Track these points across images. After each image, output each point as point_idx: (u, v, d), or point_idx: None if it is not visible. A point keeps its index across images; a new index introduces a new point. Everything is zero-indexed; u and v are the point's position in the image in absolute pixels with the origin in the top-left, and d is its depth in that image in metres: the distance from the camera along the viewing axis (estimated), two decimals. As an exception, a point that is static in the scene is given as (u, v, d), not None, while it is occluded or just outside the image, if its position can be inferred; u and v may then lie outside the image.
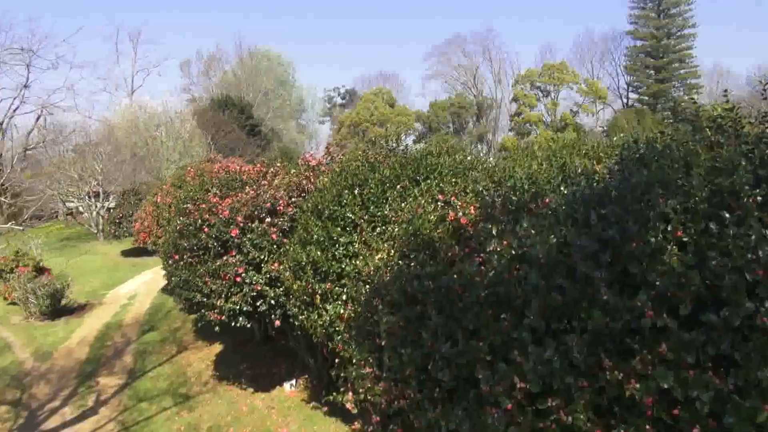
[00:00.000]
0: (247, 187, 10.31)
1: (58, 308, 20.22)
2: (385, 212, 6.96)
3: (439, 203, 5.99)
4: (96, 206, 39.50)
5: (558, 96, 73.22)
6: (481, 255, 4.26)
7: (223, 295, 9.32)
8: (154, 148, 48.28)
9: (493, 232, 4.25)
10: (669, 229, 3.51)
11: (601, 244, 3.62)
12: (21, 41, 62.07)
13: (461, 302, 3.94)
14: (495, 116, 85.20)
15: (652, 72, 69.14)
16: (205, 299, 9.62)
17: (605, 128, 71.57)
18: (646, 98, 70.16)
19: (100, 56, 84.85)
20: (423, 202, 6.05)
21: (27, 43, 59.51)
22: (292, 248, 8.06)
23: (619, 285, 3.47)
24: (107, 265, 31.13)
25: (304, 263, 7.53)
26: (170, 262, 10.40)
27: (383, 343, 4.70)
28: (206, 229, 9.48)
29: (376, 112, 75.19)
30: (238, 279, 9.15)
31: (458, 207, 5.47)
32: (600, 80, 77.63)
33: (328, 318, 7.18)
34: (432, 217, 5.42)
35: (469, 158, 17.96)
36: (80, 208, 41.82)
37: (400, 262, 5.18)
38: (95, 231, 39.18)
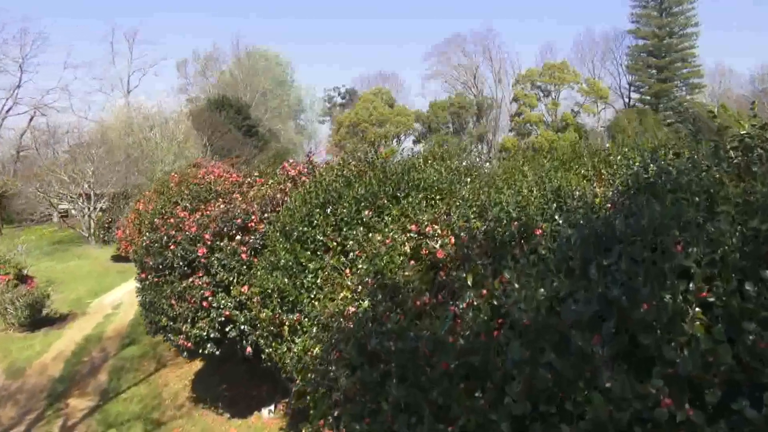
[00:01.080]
0: (220, 200, 9.56)
1: (38, 319, 19.44)
2: (358, 237, 6.18)
3: (411, 235, 5.17)
4: (87, 209, 38.75)
5: (559, 96, 72.38)
6: (457, 304, 3.49)
7: (189, 320, 8.56)
8: (149, 149, 47.58)
9: (469, 280, 3.47)
10: (691, 287, 2.72)
11: (603, 304, 2.83)
12: (14, 41, 61.49)
13: (430, 368, 3.17)
14: (495, 116, 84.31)
15: (654, 71, 68.24)
16: (171, 323, 8.86)
17: (607, 128, 70.75)
18: (648, 98, 69.28)
19: (96, 56, 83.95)
20: (392, 233, 5.24)
21: (20, 42, 58.91)
22: (259, 273, 7.28)
23: (625, 362, 2.68)
24: (96, 271, 30.37)
25: (270, 291, 6.76)
26: (138, 279, 9.66)
27: (338, 411, 3.94)
28: (173, 247, 8.72)
29: (375, 112, 74.36)
30: (205, 304, 8.39)
31: (437, 235, 4.69)
32: (601, 80, 76.75)
33: (296, 352, 6.43)
34: (403, 250, 4.63)
35: (464, 164, 17.24)
36: (72, 211, 41.10)
37: (363, 305, 4.41)
38: (86, 235, 38.42)
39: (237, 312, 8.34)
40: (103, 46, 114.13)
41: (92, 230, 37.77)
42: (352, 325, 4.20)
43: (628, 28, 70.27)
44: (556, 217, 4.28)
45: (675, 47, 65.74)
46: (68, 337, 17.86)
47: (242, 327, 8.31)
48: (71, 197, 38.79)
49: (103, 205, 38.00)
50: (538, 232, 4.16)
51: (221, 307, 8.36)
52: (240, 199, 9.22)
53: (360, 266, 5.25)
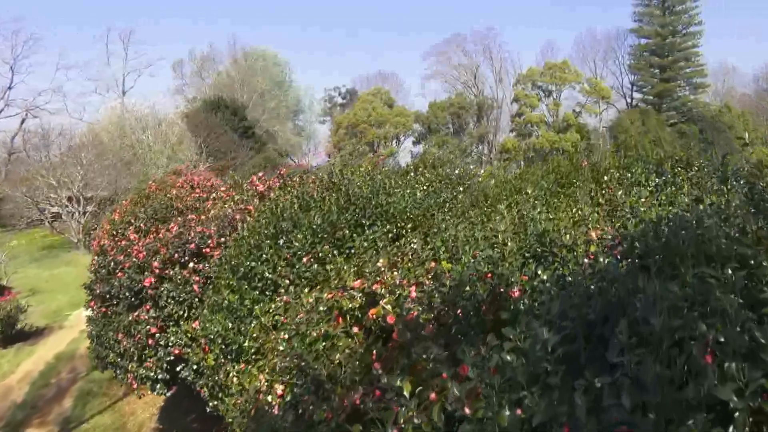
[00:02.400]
0: (179, 219, 8.61)
1: (11, 334, 18.54)
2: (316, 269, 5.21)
3: (355, 294, 4.16)
4: (76, 213, 37.86)
5: (560, 96, 71.24)
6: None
7: (134, 358, 7.63)
8: (141, 152, 46.72)
9: (406, 390, 2.52)
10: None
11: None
12: (5, 42, 60.62)
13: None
14: (496, 117, 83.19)
15: (656, 71, 67.10)
16: (119, 359, 7.95)
17: (609, 128, 69.62)
18: (651, 98, 68.14)
19: (91, 57, 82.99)
20: (327, 296, 4.20)
21: (11, 43, 58.08)
22: (204, 312, 6.32)
23: None
24: (81, 279, 29.44)
25: (213, 336, 5.83)
26: (86, 308, 8.73)
27: None
28: (120, 274, 7.79)
29: (373, 113, 73.32)
30: (151, 341, 7.44)
31: (394, 288, 3.74)
32: (603, 79, 75.63)
33: (243, 408, 5.50)
34: (334, 319, 3.67)
35: (457, 171, 16.25)
36: (63, 216, 40.23)
37: (275, 396, 3.45)
38: (75, 240, 37.52)
39: (189, 350, 7.40)
40: (98, 46, 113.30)
41: (81, 235, 36.87)
42: (276, 411, 3.27)
43: (631, 26, 69.17)
44: (539, 272, 3.33)
45: (678, 46, 64.60)
46: (40, 354, 16.96)
47: (195, 366, 7.39)
48: (60, 201, 37.93)
49: (92, 209, 37.11)
50: (515, 294, 3.21)
51: (170, 344, 7.42)
52: (196, 219, 8.27)
53: (283, 336, 4.25)
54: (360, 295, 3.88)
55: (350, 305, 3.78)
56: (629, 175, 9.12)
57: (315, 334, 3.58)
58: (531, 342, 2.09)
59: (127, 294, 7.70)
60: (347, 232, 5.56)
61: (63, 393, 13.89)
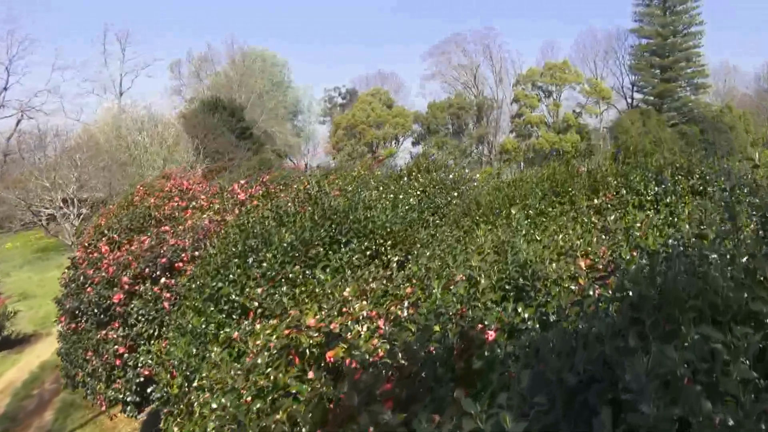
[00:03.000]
0: (153, 230, 8.21)
1: (-4, 342, 18.18)
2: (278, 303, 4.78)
3: (311, 333, 3.69)
4: (71, 216, 37.44)
5: (560, 96, 70.85)
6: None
7: (103, 379, 7.22)
8: (137, 153, 46.37)
9: None
10: None
11: None
12: (0, 42, 60.17)
13: None
14: (496, 117, 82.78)
15: (657, 71, 66.67)
16: (88, 378, 7.54)
17: (610, 129, 69.19)
18: (652, 98, 67.72)
19: (88, 58, 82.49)
20: (284, 331, 3.71)
21: (6, 43, 57.73)
22: (170, 335, 5.90)
23: None
24: (73, 283, 29.06)
25: (177, 362, 5.42)
26: (57, 322, 8.32)
27: None
28: (89, 290, 7.38)
29: (372, 113, 72.97)
30: (118, 362, 7.02)
31: (359, 321, 3.32)
32: (603, 80, 75.27)
33: (208, 441, 5.08)
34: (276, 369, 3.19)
35: (451, 176, 15.83)
36: (57, 218, 39.78)
37: None
38: (69, 243, 37.09)
39: (157, 372, 6.98)
40: (95, 47, 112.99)
41: (75, 238, 36.43)
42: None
43: (631, 26, 68.77)
44: (519, 309, 2.91)
45: (679, 46, 64.17)
46: (25, 363, 16.55)
47: (167, 388, 6.97)
48: (54, 204, 37.50)
49: (86, 211, 36.67)
50: (489, 337, 2.79)
51: (139, 365, 7.00)
52: (170, 231, 7.85)
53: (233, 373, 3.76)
54: (317, 334, 3.44)
55: (309, 342, 3.36)
56: (627, 182, 8.73)
57: (261, 383, 3.12)
58: (494, 425, 1.68)
59: (95, 311, 7.29)
60: (321, 249, 5.15)
61: (45, 405, 13.48)
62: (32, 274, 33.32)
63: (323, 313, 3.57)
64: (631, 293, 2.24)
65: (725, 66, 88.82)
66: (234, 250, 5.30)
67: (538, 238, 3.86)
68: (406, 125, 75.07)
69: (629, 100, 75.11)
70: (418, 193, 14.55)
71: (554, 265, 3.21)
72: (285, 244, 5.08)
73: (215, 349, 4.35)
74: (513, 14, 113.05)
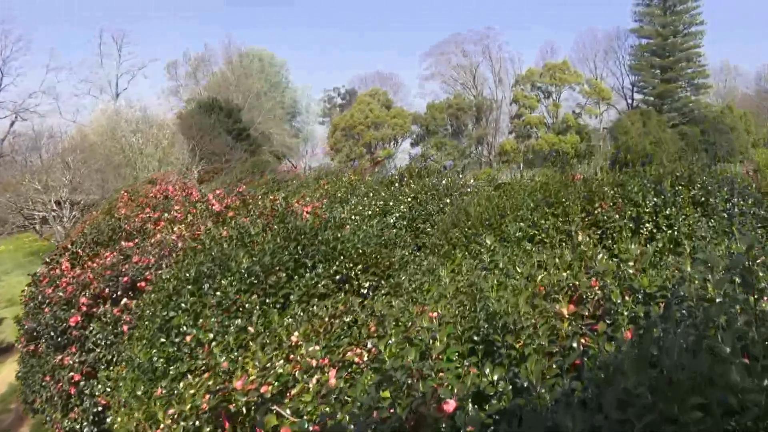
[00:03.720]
0: (123, 243, 7.70)
1: (-21, 351, 17.64)
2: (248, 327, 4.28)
3: (239, 398, 3.08)
4: (63, 219, 36.95)
5: (560, 97, 70.27)
6: None
7: (59, 407, 6.72)
8: (132, 155, 45.93)
9: None
10: None
11: None
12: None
13: None
14: (495, 118, 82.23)
15: (657, 71, 66.16)
16: (46, 405, 7.03)
17: (610, 130, 68.63)
18: (652, 99, 67.20)
19: (83, 58, 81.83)
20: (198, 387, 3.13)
21: (0, 44, 57.20)
22: (117, 369, 5.39)
23: None
24: (63, 288, 28.56)
25: (126, 397, 4.93)
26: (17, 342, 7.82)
27: None
28: (47, 310, 6.88)
29: (371, 114, 72.43)
30: (73, 389, 6.51)
31: (310, 370, 2.79)
32: (603, 80, 74.80)
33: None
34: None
35: (444, 182, 15.32)
36: (49, 221, 39.27)
37: None
38: (62, 246, 36.59)
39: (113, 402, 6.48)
40: (91, 48, 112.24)
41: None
42: None
43: (631, 26, 68.26)
44: (487, 370, 2.42)
45: (680, 46, 63.65)
46: (6, 374, 16.03)
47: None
48: (46, 206, 37.03)
49: (78, 214, 36.16)
50: (449, 409, 2.30)
51: (96, 393, 6.49)
52: (134, 247, 7.32)
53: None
54: (244, 398, 2.91)
55: (243, 401, 2.86)
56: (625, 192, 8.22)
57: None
58: None
59: (51, 333, 6.78)
60: (284, 275, 4.64)
61: (21, 420, 12.97)
62: (23, 278, 32.65)
63: (266, 360, 3.07)
64: (620, 382, 1.73)
65: (726, 66, 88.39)
66: (187, 275, 4.80)
67: (516, 274, 3.34)
68: (404, 126, 74.53)
69: (629, 101, 74.67)
70: (409, 200, 14.05)
71: (531, 311, 2.71)
72: (243, 270, 4.58)
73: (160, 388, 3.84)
74: (513, 15, 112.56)
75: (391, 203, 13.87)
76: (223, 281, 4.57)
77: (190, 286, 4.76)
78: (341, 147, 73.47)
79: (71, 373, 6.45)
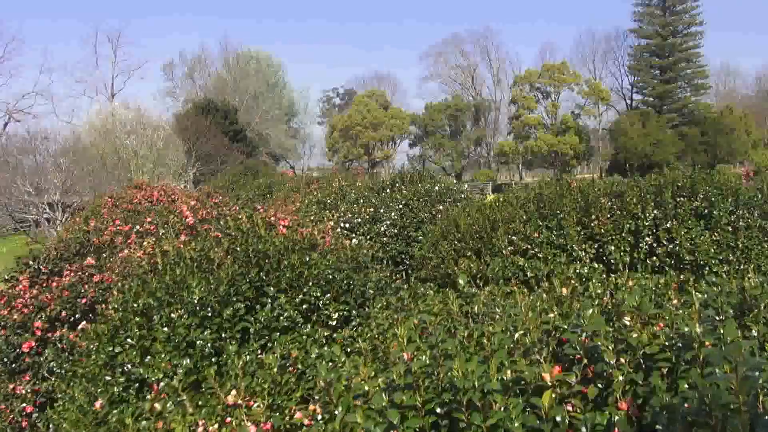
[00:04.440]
0: (89, 260, 7.22)
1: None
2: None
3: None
4: (57, 221, 36.48)
5: (559, 97, 69.83)
6: None
7: (12, 441, 6.23)
8: (126, 157, 45.45)
9: None
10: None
11: None
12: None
13: None
14: (494, 118, 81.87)
15: (657, 72, 65.76)
16: (3, 436, 6.55)
17: (609, 131, 68.20)
18: (651, 99, 66.77)
19: (79, 59, 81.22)
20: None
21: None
22: (59, 408, 4.89)
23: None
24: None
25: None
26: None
27: None
28: (2, 332, 6.38)
29: (368, 115, 71.93)
30: (25, 423, 6.01)
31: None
32: (602, 81, 74.41)
33: None
34: None
35: (436, 188, 14.82)
36: (40, 223, 38.79)
37: None
38: (54, 249, 36.07)
39: None
40: (86, 48, 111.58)
41: (59, 245, 35.42)
42: None
43: (630, 27, 67.85)
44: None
45: (679, 47, 63.23)
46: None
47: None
48: (39, 209, 36.55)
49: (70, 217, 35.68)
50: None
51: (50, 426, 5.99)
52: (96, 264, 6.82)
53: None
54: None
55: None
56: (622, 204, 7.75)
57: None
58: None
59: (5, 359, 6.29)
60: (242, 306, 4.16)
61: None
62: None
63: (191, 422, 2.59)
64: None
65: (725, 67, 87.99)
66: (134, 306, 4.32)
67: (495, 325, 2.83)
68: (402, 127, 74.09)
69: (628, 101, 74.25)
70: (401, 206, 13.58)
71: (507, 377, 2.22)
72: (196, 300, 4.10)
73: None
74: (512, 15, 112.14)
75: (381, 210, 13.40)
76: (172, 314, 4.09)
77: (138, 318, 4.28)
78: (339, 148, 73.05)
79: (23, 404, 5.96)
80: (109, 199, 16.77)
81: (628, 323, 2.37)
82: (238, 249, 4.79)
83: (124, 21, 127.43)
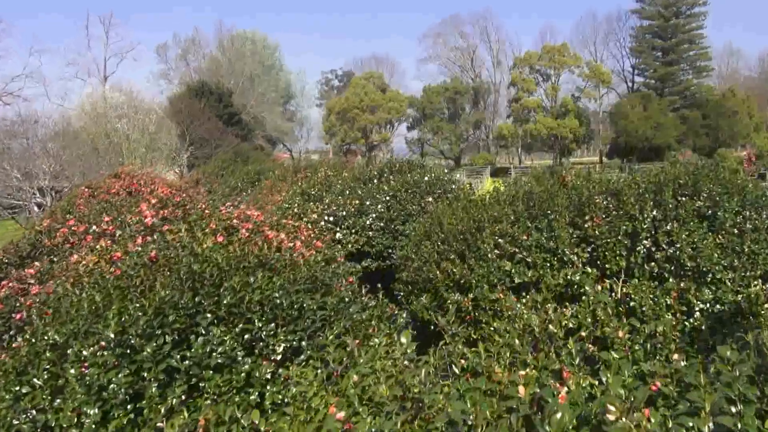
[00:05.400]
0: (36, 264, 6.61)
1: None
2: None
3: None
4: (46, 206, 35.84)
5: (559, 80, 68.74)
6: None
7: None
8: (118, 141, 44.64)
9: None
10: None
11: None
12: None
13: None
14: (493, 101, 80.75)
15: (659, 54, 64.64)
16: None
17: (609, 113, 67.23)
18: (653, 82, 65.74)
19: (71, 41, 79.85)
20: None
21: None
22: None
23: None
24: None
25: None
26: None
27: None
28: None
29: (366, 98, 70.81)
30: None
31: None
32: (603, 63, 73.22)
33: None
34: None
35: (426, 178, 14.13)
36: (29, 209, 38.14)
37: None
38: (44, 235, 35.46)
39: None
40: (78, 29, 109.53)
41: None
42: None
43: (632, 7, 66.53)
44: None
45: (682, 28, 62.02)
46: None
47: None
48: (27, 194, 35.87)
49: (55, 202, 35.01)
50: None
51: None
52: (34, 275, 6.20)
53: None
54: None
55: None
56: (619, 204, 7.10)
57: None
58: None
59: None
60: (167, 341, 3.54)
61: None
62: None
63: None
64: None
65: (728, 48, 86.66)
66: (46, 338, 3.71)
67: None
68: (400, 110, 73.01)
69: (630, 84, 73.16)
70: (387, 198, 12.92)
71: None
72: (112, 335, 3.49)
73: None
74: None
75: (368, 202, 12.76)
76: (84, 350, 3.49)
77: (48, 354, 3.67)
78: (336, 131, 72.06)
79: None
80: (86, 190, 16.07)
81: (611, 419, 1.75)
82: (170, 270, 4.17)
83: (116, 2, 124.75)
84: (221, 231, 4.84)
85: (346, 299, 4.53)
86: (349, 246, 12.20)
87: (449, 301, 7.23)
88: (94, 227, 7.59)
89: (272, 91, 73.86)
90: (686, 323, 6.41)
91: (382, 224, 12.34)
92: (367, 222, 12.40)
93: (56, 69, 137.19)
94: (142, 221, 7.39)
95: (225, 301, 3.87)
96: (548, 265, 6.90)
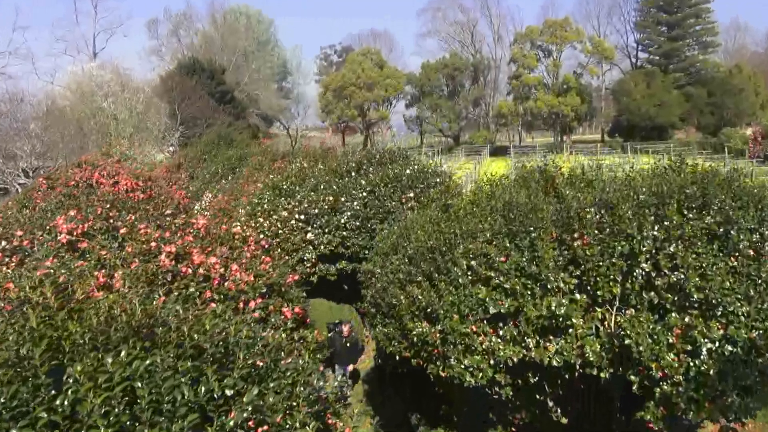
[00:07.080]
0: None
1: None
2: None
3: None
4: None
5: (561, 56, 66.73)
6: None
7: None
8: (104, 121, 43.25)
9: None
10: None
11: None
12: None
13: None
14: (494, 78, 78.81)
15: (664, 29, 62.69)
16: None
17: (612, 91, 65.56)
18: (657, 58, 63.92)
19: (60, 16, 77.73)
20: None
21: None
22: None
23: None
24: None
25: None
26: None
27: None
28: None
29: (362, 74, 68.97)
30: None
31: None
32: (607, 38, 71.12)
33: None
34: None
35: (408, 171, 12.94)
36: (11, 191, 37.02)
37: None
38: (27, 219, 34.40)
39: None
40: (65, 3, 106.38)
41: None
42: None
43: (638, -20, 64.40)
44: None
45: (688, 2, 60.00)
46: None
47: None
48: (9, 177, 34.73)
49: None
50: None
51: None
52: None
53: None
54: None
55: None
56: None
57: None
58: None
59: None
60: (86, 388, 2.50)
61: None
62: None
63: None
64: None
65: (735, 23, 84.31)
66: None
67: None
68: (398, 87, 71.21)
69: (633, 60, 71.20)
70: (365, 194, 11.80)
71: None
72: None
73: None
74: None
75: (343, 199, 11.65)
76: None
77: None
78: (333, 109, 70.39)
79: None
80: (43, 181, 14.94)
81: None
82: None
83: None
84: (118, 265, 3.76)
85: (263, 370, 3.45)
86: (322, 248, 11.16)
87: (414, 333, 6.20)
88: (4, 242, 6.53)
89: (267, 67, 72.09)
90: (691, 365, 5.36)
91: (358, 223, 11.26)
92: (342, 220, 11.32)
93: (45, 45, 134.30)
94: (55, 236, 6.33)
95: (59, 402, 2.80)
96: (529, 293, 5.83)
